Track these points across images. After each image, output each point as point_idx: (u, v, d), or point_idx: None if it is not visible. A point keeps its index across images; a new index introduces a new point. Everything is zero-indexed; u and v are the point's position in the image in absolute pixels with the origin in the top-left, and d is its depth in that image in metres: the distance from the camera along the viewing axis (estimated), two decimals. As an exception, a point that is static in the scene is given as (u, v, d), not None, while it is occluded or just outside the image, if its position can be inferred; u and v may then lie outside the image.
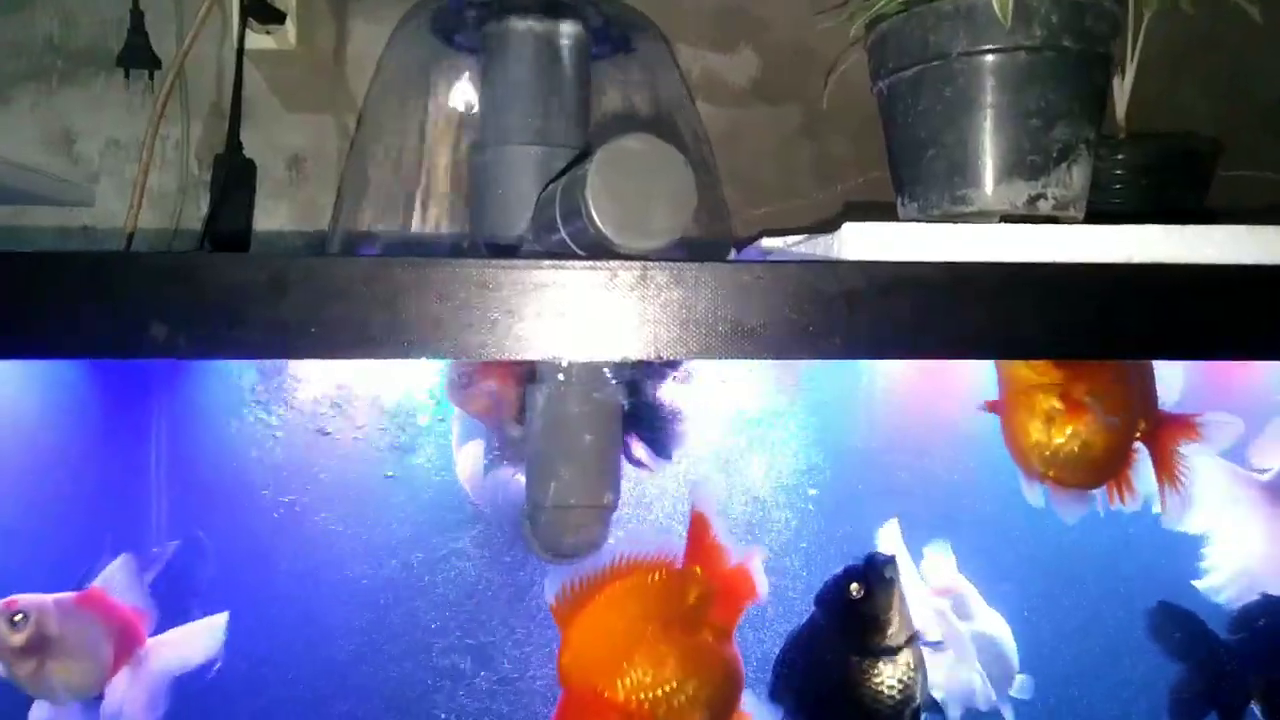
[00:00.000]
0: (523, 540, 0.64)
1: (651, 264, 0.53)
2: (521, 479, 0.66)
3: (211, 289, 0.51)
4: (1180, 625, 0.80)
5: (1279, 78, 1.08)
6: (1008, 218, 0.57)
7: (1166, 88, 1.03)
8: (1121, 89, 0.76)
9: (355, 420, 0.77)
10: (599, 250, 0.53)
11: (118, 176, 1.02)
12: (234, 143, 0.93)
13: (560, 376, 0.60)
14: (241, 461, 0.77)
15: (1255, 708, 0.79)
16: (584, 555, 0.61)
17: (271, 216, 1.02)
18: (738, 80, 1.08)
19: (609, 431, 0.61)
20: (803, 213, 1.08)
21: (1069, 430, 0.72)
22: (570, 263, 0.52)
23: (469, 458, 0.76)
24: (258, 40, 0.97)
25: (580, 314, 0.53)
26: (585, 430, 0.60)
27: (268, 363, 0.73)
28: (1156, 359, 0.55)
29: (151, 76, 0.99)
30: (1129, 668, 0.85)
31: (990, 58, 0.55)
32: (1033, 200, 0.57)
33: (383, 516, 0.77)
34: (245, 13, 0.94)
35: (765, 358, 0.54)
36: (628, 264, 0.53)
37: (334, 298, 0.52)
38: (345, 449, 0.77)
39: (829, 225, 0.61)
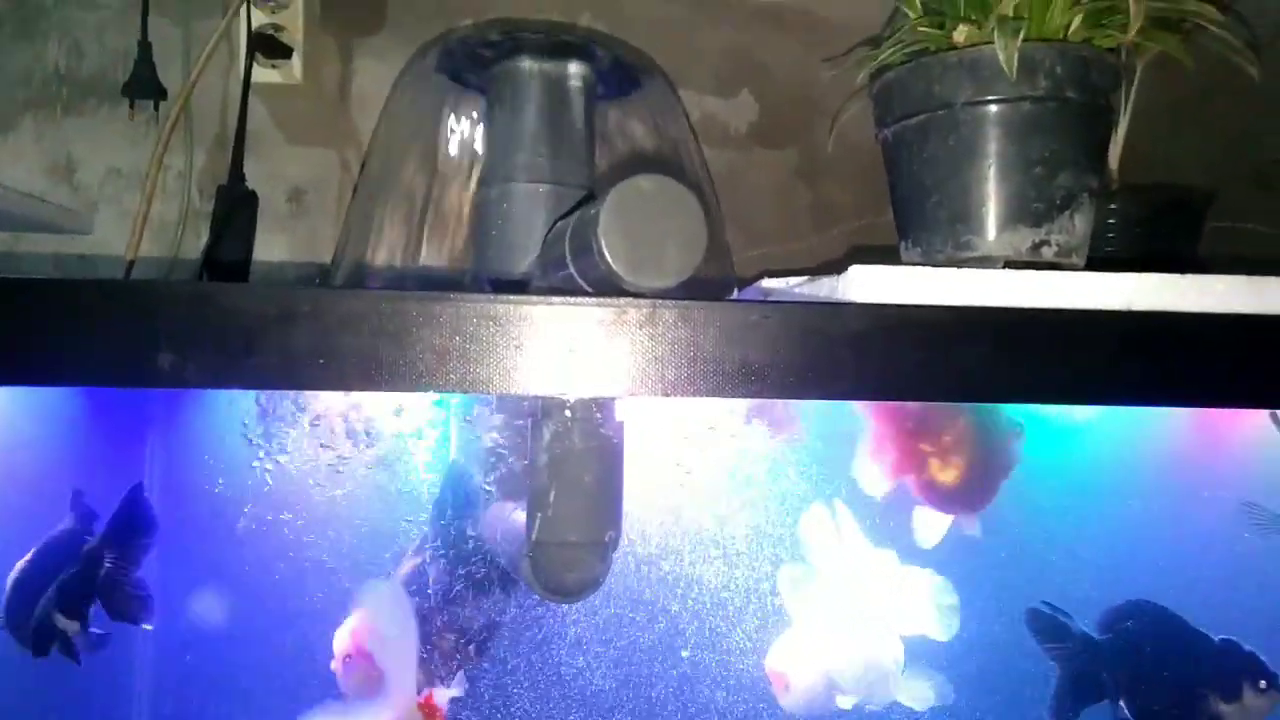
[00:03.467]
0: (522, 578, 0.63)
1: (660, 302, 0.53)
2: (520, 515, 0.66)
3: (221, 318, 0.51)
4: (1051, 624, 0.84)
5: (1270, 135, 1.11)
6: (1011, 264, 0.58)
7: (1161, 141, 1.05)
8: (1115, 140, 0.77)
9: (345, 453, 0.76)
10: (607, 287, 0.53)
11: (117, 205, 1.02)
12: (237, 173, 0.94)
13: (566, 413, 0.60)
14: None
15: (1121, 704, 0.84)
16: (585, 593, 0.61)
17: (271, 248, 1.02)
18: (737, 124, 1.10)
19: (612, 467, 0.61)
20: (800, 256, 1.09)
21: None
22: (579, 299, 0.53)
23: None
24: (264, 74, 0.98)
25: (588, 350, 0.53)
26: (588, 466, 0.60)
27: (262, 396, 0.73)
28: (1156, 405, 0.55)
29: (156, 107, 1.00)
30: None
31: (995, 108, 0.56)
32: (1036, 247, 0.58)
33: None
34: (252, 47, 0.95)
35: (772, 397, 0.55)
36: (637, 301, 0.53)
37: (343, 330, 0.52)
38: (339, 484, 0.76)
39: (828, 268, 0.62)
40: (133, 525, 0.74)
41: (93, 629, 0.74)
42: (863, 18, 1.01)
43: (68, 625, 0.72)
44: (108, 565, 0.73)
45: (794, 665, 0.82)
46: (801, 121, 1.10)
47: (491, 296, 0.52)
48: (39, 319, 0.51)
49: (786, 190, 1.10)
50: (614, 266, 0.50)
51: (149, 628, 0.75)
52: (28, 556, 0.75)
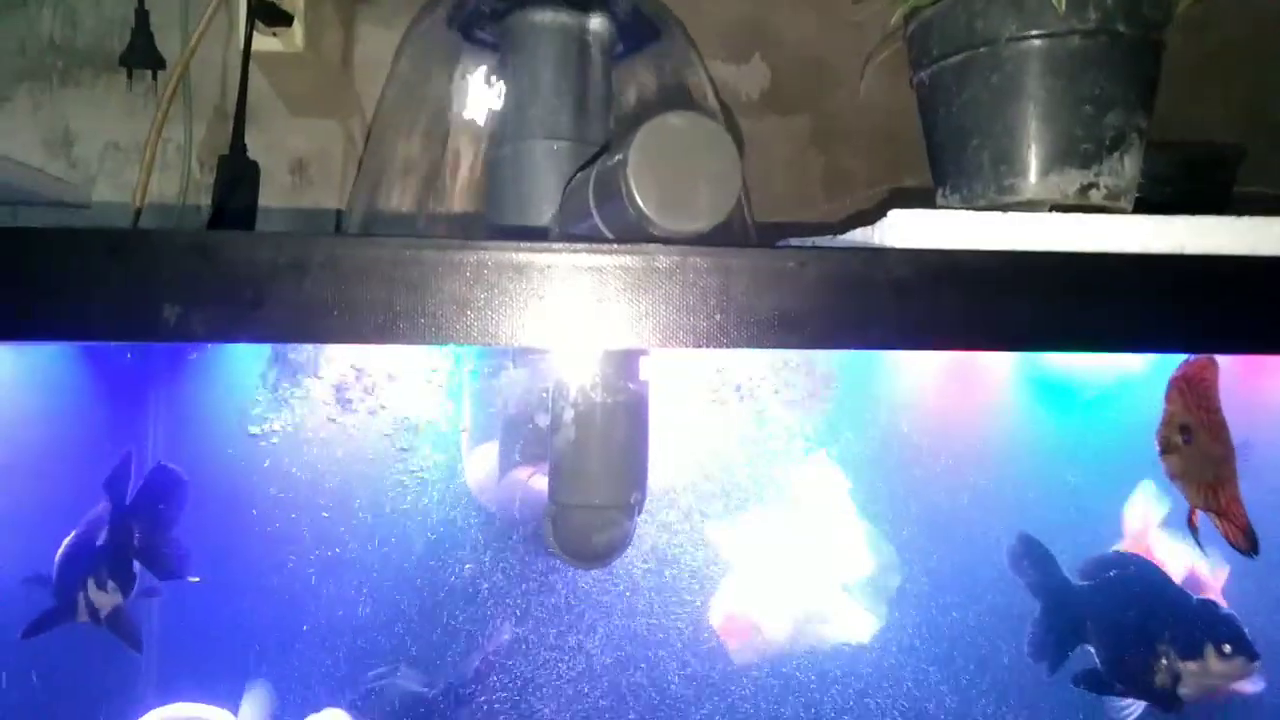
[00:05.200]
0: (543, 543, 0.60)
1: (690, 249, 0.50)
2: (539, 481, 0.63)
3: (230, 269, 0.48)
4: (1034, 559, 0.85)
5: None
6: (1057, 207, 0.55)
7: (1182, 103, 1.03)
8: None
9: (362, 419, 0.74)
10: (635, 234, 0.51)
11: (116, 179, 0.99)
12: (238, 144, 0.91)
13: (590, 368, 0.57)
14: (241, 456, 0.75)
15: (1090, 650, 0.84)
16: (610, 557, 0.58)
17: (274, 221, 1.00)
18: (749, 91, 1.07)
19: (637, 426, 0.58)
20: (813, 225, 1.07)
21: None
22: (606, 245, 0.50)
23: (480, 462, 0.73)
24: (264, 43, 0.94)
25: (616, 301, 0.50)
26: (614, 425, 0.57)
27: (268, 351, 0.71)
28: (1215, 351, 0.53)
29: (154, 77, 0.97)
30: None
31: (1041, 43, 0.53)
32: (1084, 189, 0.55)
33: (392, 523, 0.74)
34: (252, 15, 0.92)
35: (809, 348, 0.52)
36: (666, 248, 0.50)
37: (358, 280, 0.49)
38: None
39: (848, 227, 0.59)
40: (161, 486, 0.73)
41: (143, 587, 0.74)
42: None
43: (110, 597, 0.72)
44: (141, 529, 0.72)
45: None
46: (814, 88, 1.07)
47: (515, 244, 0.50)
48: (40, 271, 0.48)
49: (800, 157, 1.08)
50: (644, 208, 0.48)
51: (196, 579, 0.74)
52: (69, 539, 0.74)
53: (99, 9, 0.99)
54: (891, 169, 1.08)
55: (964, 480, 0.83)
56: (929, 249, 0.52)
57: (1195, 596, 0.83)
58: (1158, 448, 0.71)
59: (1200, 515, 0.71)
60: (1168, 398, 0.70)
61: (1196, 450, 0.69)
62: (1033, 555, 0.84)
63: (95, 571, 0.72)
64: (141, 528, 0.72)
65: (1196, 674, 0.81)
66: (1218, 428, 0.69)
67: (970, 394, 0.85)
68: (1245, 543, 0.70)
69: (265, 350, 0.71)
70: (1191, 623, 0.82)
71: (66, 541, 0.75)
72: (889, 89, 0.99)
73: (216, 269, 0.49)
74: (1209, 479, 0.69)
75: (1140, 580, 0.83)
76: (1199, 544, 0.73)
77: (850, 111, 1.07)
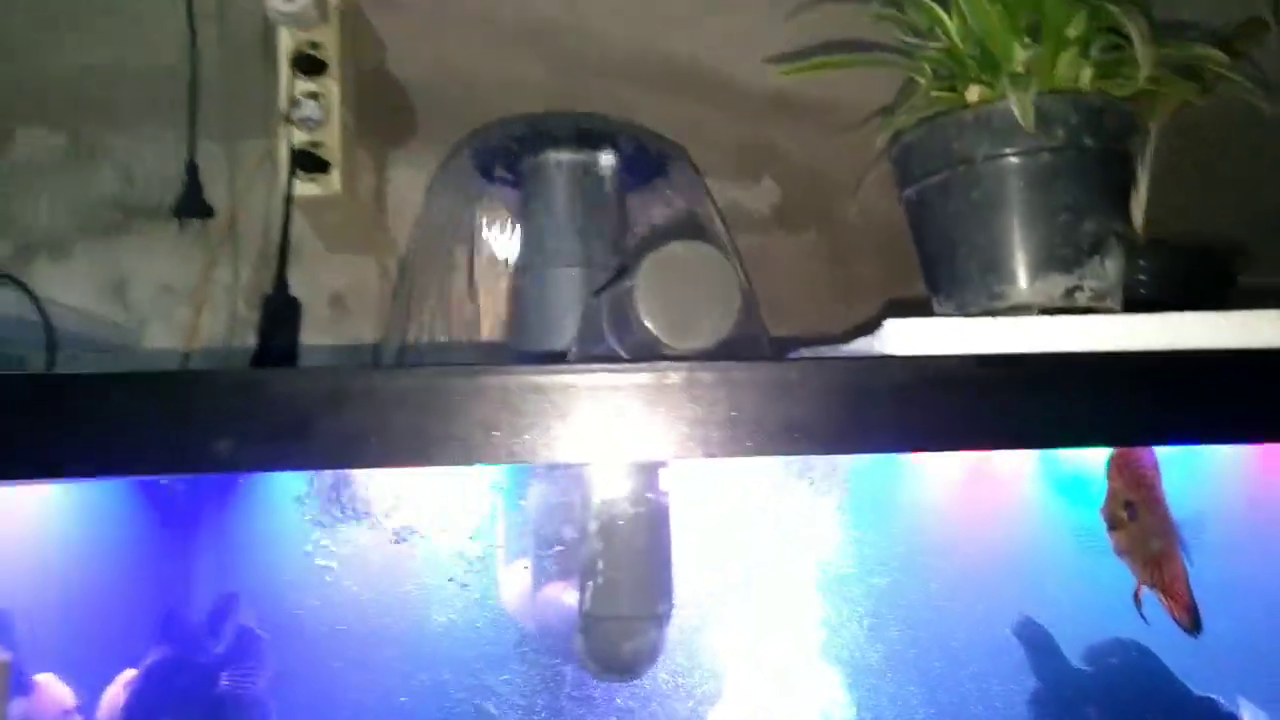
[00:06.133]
0: (576, 658, 0.62)
1: (698, 364, 0.54)
2: (571, 596, 0.65)
3: (274, 402, 0.53)
4: (1035, 642, 0.86)
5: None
6: (1046, 311, 0.58)
7: (1188, 201, 1.07)
8: (1138, 199, 0.78)
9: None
10: (646, 353, 0.54)
11: (167, 320, 1.05)
12: (281, 283, 0.97)
13: (613, 481, 0.60)
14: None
15: None
16: (641, 668, 0.60)
17: (315, 353, 1.05)
18: (760, 209, 1.13)
19: (661, 536, 0.61)
20: (819, 337, 1.10)
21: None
22: (620, 365, 0.54)
23: (515, 579, 0.75)
24: (304, 188, 1.02)
25: (632, 416, 0.54)
26: (637, 535, 0.59)
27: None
28: (1210, 444, 0.55)
29: (204, 223, 1.04)
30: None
31: (1015, 160, 0.58)
32: (1070, 292, 0.58)
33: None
34: (294, 164, 0.99)
35: (816, 453, 0.55)
36: (675, 365, 0.54)
37: (393, 408, 0.53)
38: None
39: (856, 334, 0.63)
40: (242, 645, 0.76)
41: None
42: (873, 99, 1.04)
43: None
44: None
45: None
46: (822, 203, 1.12)
47: (536, 368, 0.54)
48: (99, 412, 0.52)
49: (810, 270, 1.12)
50: (652, 330, 0.52)
51: None
52: (129, 681, 0.76)
53: (153, 167, 1.07)
54: (904, 276, 1.11)
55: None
56: (926, 355, 0.55)
57: (1196, 691, 0.82)
58: (1105, 524, 0.73)
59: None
60: (1109, 475, 0.72)
61: (1140, 526, 0.71)
62: (1033, 637, 0.84)
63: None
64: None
65: None
66: (1156, 504, 0.71)
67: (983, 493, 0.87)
68: (1189, 620, 0.71)
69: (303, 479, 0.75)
70: (1193, 717, 0.82)
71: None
72: (891, 201, 1.04)
73: (262, 403, 0.53)
74: (1153, 554, 0.70)
75: (1142, 669, 0.83)
76: (1144, 619, 0.74)
77: (858, 224, 1.11)
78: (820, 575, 0.83)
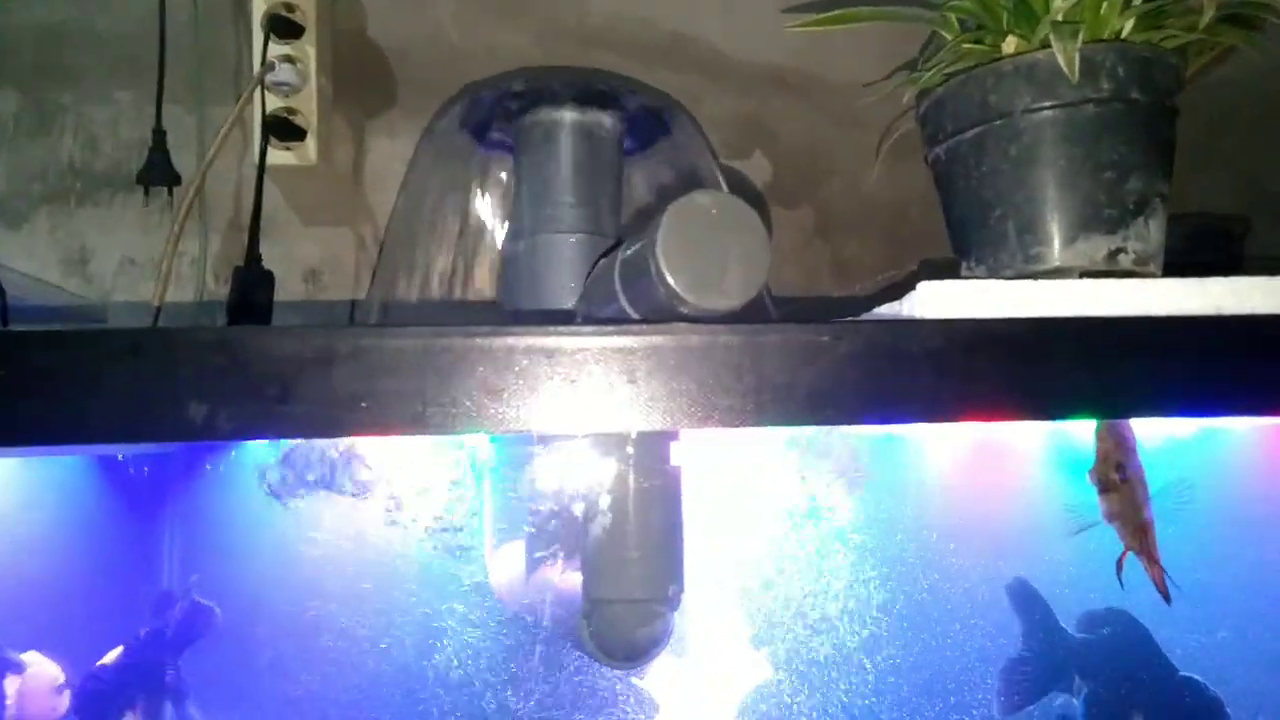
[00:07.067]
0: (578, 644, 0.58)
1: (721, 327, 0.50)
2: (569, 578, 0.61)
3: (255, 364, 0.48)
4: (1029, 605, 0.85)
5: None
6: (1086, 273, 0.55)
7: (1186, 175, 1.05)
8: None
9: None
10: (664, 314, 0.50)
11: (131, 294, 1.00)
12: (253, 254, 0.91)
13: (625, 453, 0.56)
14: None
15: (1075, 703, 0.84)
16: (651, 654, 0.55)
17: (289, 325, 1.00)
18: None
19: (673, 513, 0.56)
20: (826, 307, 1.08)
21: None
22: (637, 326, 0.49)
23: (505, 562, 0.71)
24: (278, 156, 0.96)
25: (648, 382, 0.49)
26: (650, 512, 0.55)
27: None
28: (1256, 415, 0.52)
29: (170, 193, 0.98)
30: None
31: (1057, 113, 0.54)
32: (1113, 255, 0.55)
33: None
34: (267, 131, 0.94)
35: (844, 423, 0.51)
36: (697, 327, 0.49)
37: (386, 371, 0.48)
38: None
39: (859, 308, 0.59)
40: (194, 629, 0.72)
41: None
42: (866, 75, 1.01)
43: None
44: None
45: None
46: (814, 180, 1.09)
47: (545, 329, 0.49)
48: (63, 374, 0.47)
49: (805, 247, 1.09)
50: (674, 286, 0.47)
51: None
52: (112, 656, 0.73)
53: (117, 134, 1.01)
54: (897, 256, 1.09)
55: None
56: (961, 318, 0.51)
57: (1181, 673, 0.81)
58: (1095, 486, 0.70)
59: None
60: (1098, 436, 0.70)
61: (1130, 489, 0.69)
62: (1026, 598, 0.82)
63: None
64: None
65: None
66: (1138, 469, 0.69)
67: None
68: (1165, 588, 0.70)
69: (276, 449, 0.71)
70: (1173, 697, 0.81)
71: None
72: (886, 178, 1.01)
73: (241, 365, 0.48)
74: (1141, 520, 0.68)
75: (1132, 641, 0.82)
76: (1121, 585, 0.72)
77: (850, 204, 1.09)
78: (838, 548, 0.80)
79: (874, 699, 0.84)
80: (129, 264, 1.01)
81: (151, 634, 0.73)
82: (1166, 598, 0.71)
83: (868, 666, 0.84)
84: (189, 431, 0.47)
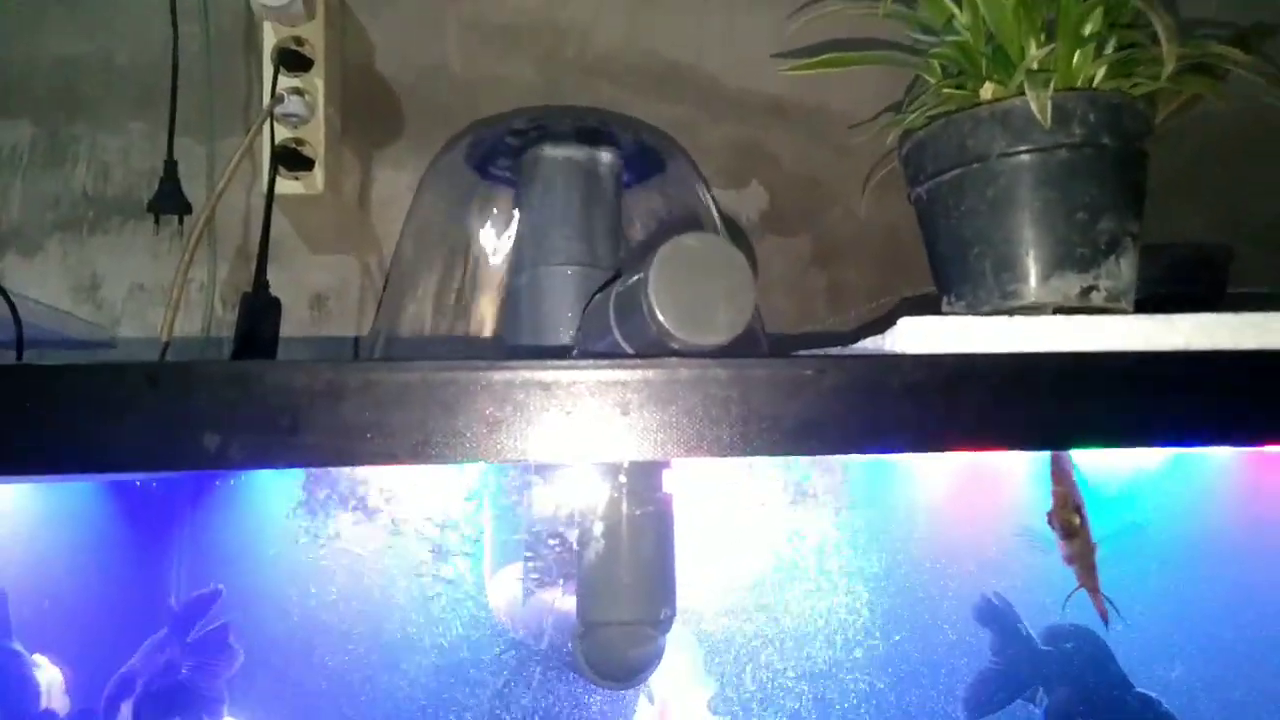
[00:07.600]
0: (573, 666, 0.60)
1: (710, 361, 0.52)
2: (566, 602, 0.63)
3: (268, 396, 0.50)
4: (1003, 619, 0.88)
5: (1265, 197, 1.12)
6: (1060, 310, 0.57)
7: (1167, 208, 1.07)
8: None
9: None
10: (656, 349, 0.53)
11: (140, 319, 1.02)
12: (261, 280, 0.94)
13: (617, 481, 0.58)
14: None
15: (1036, 711, 0.86)
16: (642, 675, 0.57)
17: (294, 352, 1.02)
18: (749, 214, 1.12)
19: (664, 539, 0.59)
20: (816, 338, 1.10)
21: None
22: (630, 360, 0.52)
23: (504, 585, 0.73)
24: (286, 186, 0.99)
25: (641, 413, 0.52)
26: (641, 537, 0.57)
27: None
28: (1227, 445, 0.54)
29: (181, 221, 1.01)
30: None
31: (1031, 157, 0.57)
32: (1085, 292, 0.57)
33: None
34: (276, 161, 0.97)
35: (829, 453, 0.53)
36: (688, 361, 0.52)
37: (393, 403, 0.51)
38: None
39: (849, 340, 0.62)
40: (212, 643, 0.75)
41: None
42: (862, 105, 1.04)
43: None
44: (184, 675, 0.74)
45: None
46: (810, 208, 1.11)
47: (541, 363, 0.51)
48: (80, 405, 0.50)
49: (801, 275, 1.11)
50: (665, 324, 0.50)
51: None
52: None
53: (129, 162, 1.04)
54: (893, 283, 1.11)
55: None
56: (943, 353, 0.54)
57: (1137, 689, 0.83)
58: (1057, 532, 0.72)
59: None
60: (1054, 477, 0.71)
61: (1086, 531, 0.70)
62: (997, 613, 0.85)
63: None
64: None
65: None
66: (1084, 506, 0.70)
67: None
68: (1105, 612, 0.71)
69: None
70: (1128, 711, 0.84)
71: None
72: (881, 206, 1.04)
73: (254, 397, 0.50)
74: (1092, 560, 0.70)
75: (1094, 656, 0.85)
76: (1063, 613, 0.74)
77: (847, 231, 1.11)
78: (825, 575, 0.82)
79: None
80: (138, 290, 1.03)
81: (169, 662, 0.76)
82: (1106, 620, 0.73)
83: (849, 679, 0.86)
84: (204, 460, 0.49)
